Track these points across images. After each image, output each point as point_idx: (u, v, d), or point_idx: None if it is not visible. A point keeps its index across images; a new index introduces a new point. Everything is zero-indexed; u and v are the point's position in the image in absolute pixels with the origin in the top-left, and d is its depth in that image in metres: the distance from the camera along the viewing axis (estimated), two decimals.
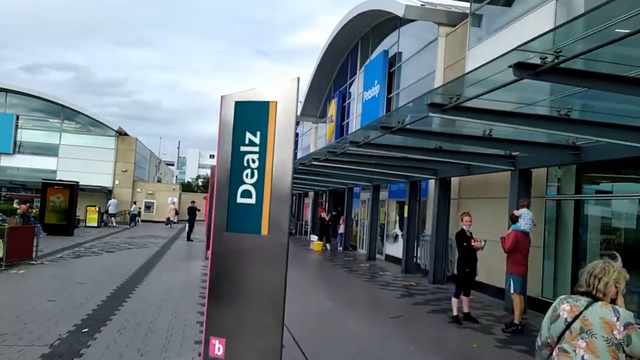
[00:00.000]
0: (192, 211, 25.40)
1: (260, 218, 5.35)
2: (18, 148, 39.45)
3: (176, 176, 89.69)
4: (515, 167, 10.38)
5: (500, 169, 10.89)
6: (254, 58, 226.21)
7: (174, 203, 40.07)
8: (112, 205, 33.77)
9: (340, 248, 23.57)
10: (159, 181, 55.87)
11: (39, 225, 17.79)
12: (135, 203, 37.60)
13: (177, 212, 37.91)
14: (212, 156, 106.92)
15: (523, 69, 4.88)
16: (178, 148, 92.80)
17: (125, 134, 42.35)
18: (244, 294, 5.34)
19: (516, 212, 8.92)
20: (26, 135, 39.70)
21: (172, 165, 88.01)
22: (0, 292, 9.84)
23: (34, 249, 14.08)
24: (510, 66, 4.92)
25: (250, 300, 5.31)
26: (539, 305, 10.09)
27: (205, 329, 5.43)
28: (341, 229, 24.08)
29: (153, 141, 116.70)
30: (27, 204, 23.60)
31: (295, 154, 5.28)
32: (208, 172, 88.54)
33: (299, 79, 5.41)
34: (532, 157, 9.89)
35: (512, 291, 8.61)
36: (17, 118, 39.22)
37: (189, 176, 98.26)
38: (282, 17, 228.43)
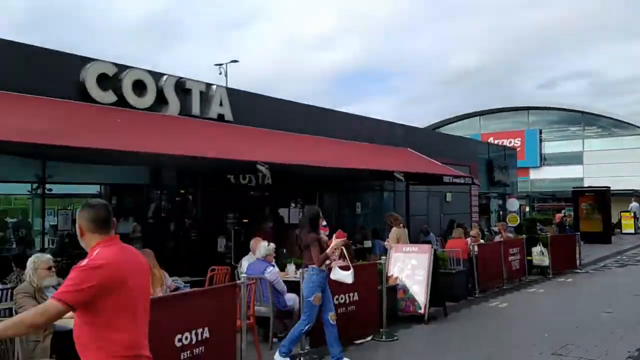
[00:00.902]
0: None
1: None
2: (543, 160, 41.59)
3: None
4: None
5: None
6: None
7: None
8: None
9: None
10: None
11: (577, 233, 17.69)
12: None
13: None
14: None
15: None
16: None
17: None
18: None
19: None
20: (548, 147, 41.54)
21: None
22: (552, 300, 10.06)
23: (577, 257, 14.00)
24: None
25: None
26: None
27: None
28: None
29: None
30: (561, 213, 24.07)
31: None
32: None
33: None
34: None
35: None
36: (540, 132, 41.55)
37: None
38: None
